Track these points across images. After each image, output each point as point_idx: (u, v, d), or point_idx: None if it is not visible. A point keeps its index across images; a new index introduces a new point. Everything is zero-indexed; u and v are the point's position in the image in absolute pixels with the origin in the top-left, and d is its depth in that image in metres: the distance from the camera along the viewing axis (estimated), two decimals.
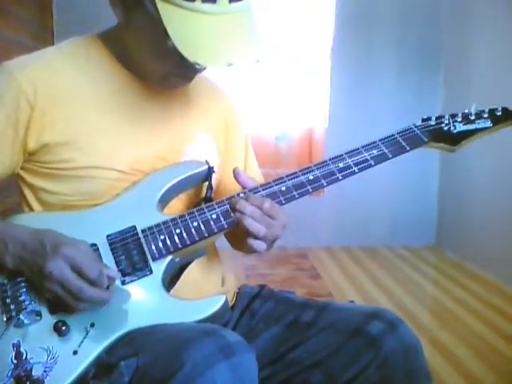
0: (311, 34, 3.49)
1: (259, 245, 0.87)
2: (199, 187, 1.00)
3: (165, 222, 0.88)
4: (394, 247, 3.74)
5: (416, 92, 3.73)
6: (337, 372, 0.91)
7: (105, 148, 0.91)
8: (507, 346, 2.21)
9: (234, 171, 0.93)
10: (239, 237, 0.91)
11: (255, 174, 1.12)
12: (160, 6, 0.80)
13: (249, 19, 0.86)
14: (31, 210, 0.94)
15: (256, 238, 0.87)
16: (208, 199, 0.96)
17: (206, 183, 0.97)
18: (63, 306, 0.82)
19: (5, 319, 0.82)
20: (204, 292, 0.96)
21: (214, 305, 0.84)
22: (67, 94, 0.90)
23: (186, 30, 0.80)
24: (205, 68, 0.91)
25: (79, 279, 0.79)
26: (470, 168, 3.33)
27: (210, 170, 0.96)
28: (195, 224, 0.88)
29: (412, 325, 0.93)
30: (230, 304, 1.04)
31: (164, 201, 0.93)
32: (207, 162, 0.96)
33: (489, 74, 3.20)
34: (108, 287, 0.81)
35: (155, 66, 0.90)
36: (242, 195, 0.90)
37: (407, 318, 0.96)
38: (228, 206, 0.89)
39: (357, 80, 3.66)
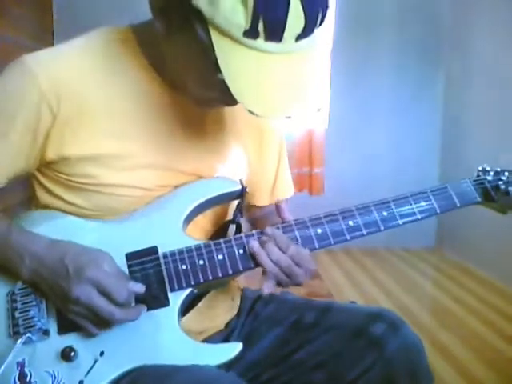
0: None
1: (269, 287, 0.82)
2: (227, 204, 0.94)
3: (188, 250, 0.81)
4: (394, 248, 3.74)
5: (416, 94, 3.73)
6: (340, 373, 0.91)
7: (132, 167, 0.83)
8: (507, 345, 2.21)
9: (276, 205, 0.86)
10: None
11: (284, 187, 1.07)
12: (214, 37, 0.69)
13: (314, 59, 0.75)
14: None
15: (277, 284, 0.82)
16: (237, 224, 0.91)
17: (236, 202, 0.92)
18: (74, 327, 0.78)
19: (11, 332, 0.79)
20: (214, 311, 0.96)
21: (230, 353, 0.80)
22: (93, 105, 0.81)
23: (242, 71, 0.70)
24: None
25: (109, 304, 0.75)
26: (470, 169, 3.32)
27: (244, 191, 0.89)
28: (220, 257, 0.81)
29: (412, 325, 0.93)
30: (235, 313, 1.03)
31: (190, 219, 0.87)
32: (241, 182, 0.89)
33: (490, 73, 3.20)
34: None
35: (197, 88, 0.81)
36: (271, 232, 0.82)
37: (407, 319, 0.96)
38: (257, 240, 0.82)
39: (357, 81, 3.66)
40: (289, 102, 0.72)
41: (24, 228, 0.83)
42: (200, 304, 0.90)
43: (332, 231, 0.85)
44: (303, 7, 0.68)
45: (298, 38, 0.70)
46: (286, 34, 0.69)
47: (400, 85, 3.71)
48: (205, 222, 0.92)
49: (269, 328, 0.99)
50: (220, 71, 0.70)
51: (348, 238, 0.85)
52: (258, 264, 0.82)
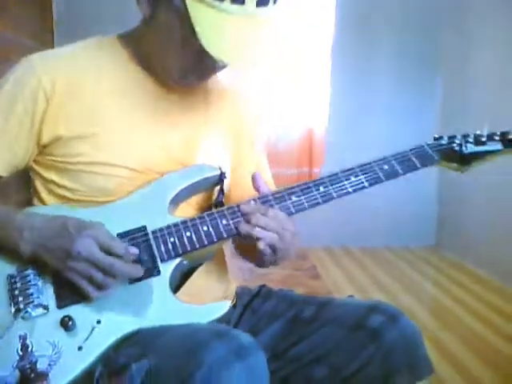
0: (311, 34, 3.49)
1: (267, 251, 0.88)
2: (210, 191, 1.00)
3: (175, 225, 0.89)
4: (394, 247, 3.74)
5: (415, 92, 3.73)
6: (339, 366, 0.92)
7: (118, 145, 0.92)
8: (507, 345, 2.21)
9: (252, 176, 0.94)
10: (247, 245, 0.92)
11: (266, 180, 1.10)
12: (189, 2, 0.82)
13: (273, 27, 0.88)
14: (41, 202, 0.95)
15: (268, 245, 0.87)
16: (219, 203, 0.97)
17: (218, 188, 0.98)
18: (72, 299, 0.84)
19: (13, 311, 0.84)
20: (209, 293, 0.98)
21: (219, 310, 0.85)
22: (84, 90, 0.91)
23: (213, 29, 0.82)
24: (223, 67, 0.92)
25: (108, 255, 0.81)
26: (470, 170, 3.32)
27: (222, 176, 0.97)
28: (205, 228, 0.88)
29: None
30: (232, 304, 1.04)
31: (175, 203, 0.94)
32: (220, 168, 0.97)
33: (488, 76, 3.20)
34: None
35: (174, 61, 0.91)
36: (252, 202, 0.90)
37: None
38: (239, 212, 0.89)
39: (357, 80, 3.66)
40: (251, 52, 0.85)
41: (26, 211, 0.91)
42: (195, 289, 0.93)
43: (305, 197, 0.91)
44: None
45: (258, 4, 0.84)
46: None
47: (400, 85, 3.71)
48: (190, 209, 0.98)
49: (268, 323, 1.01)
50: (194, 32, 0.81)
51: (320, 201, 0.92)
52: (249, 237, 0.87)
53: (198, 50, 0.83)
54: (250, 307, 1.05)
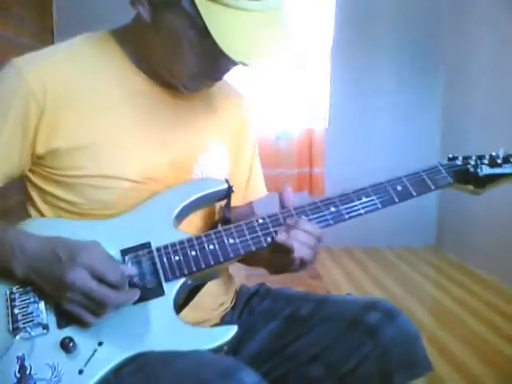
0: (311, 33, 3.49)
1: (297, 263, 0.86)
2: (214, 205, 0.98)
3: (181, 242, 0.85)
4: (394, 247, 3.74)
5: (416, 92, 3.73)
6: (336, 364, 0.92)
7: (117, 157, 0.88)
8: (507, 345, 2.21)
9: (282, 191, 0.91)
10: (259, 260, 0.92)
11: (258, 186, 1.11)
12: (199, 2, 0.78)
13: (283, 15, 0.85)
14: (38, 211, 0.92)
15: (301, 262, 0.86)
16: (226, 220, 0.94)
17: (223, 203, 0.95)
18: (72, 320, 0.80)
19: (11, 329, 0.80)
20: (208, 303, 0.97)
21: (226, 335, 0.82)
22: (78, 97, 0.87)
23: (230, 30, 0.79)
24: (234, 65, 0.87)
25: (102, 286, 0.77)
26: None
27: (229, 190, 0.94)
28: (211, 247, 0.85)
29: None
30: (231, 305, 1.04)
31: (180, 217, 0.91)
32: (227, 181, 0.94)
33: (489, 75, 3.20)
34: (131, 286, 0.80)
35: (184, 66, 0.87)
36: (281, 215, 0.88)
37: None
38: (247, 231, 0.87)
39: (357, 80, 3.66)
40: (268, 47, 0.82)
41: (19, 228, 0.85)
42: (196, 301, 0.91)
43: (317, 218, 0.90)
44: None
45: None
46: None
47: (400, 85, 3.70)
48: (197, 221, 0.96)
49: (265, 322, 1.01)
50: (205, 34, 0.77)
51: (331, 222, 0.91)
52: (247, 251, 0.85)
53: (211, 53, 0.80)
54: (248, 306, 1.05)
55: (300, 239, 0.84)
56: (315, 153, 3.65)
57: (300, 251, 0.84)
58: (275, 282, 1.08)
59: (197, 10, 0.78)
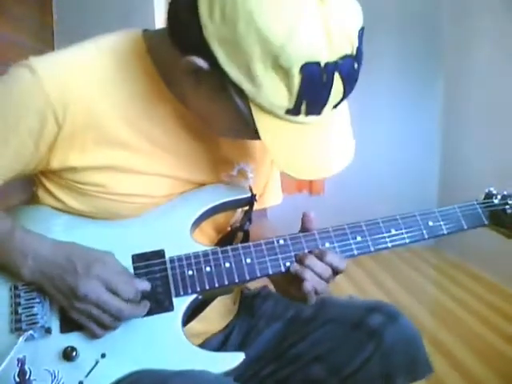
0: None
1: (313, 300, 0.82)
2: (231, 213, 0.94)
3: (196, 256, 0.81)
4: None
5: (416, 92, 3.73)
6: (339, 366, 0.92)
7: (137, 177, 0.82)
8: (507, 345, 2.21)
9: (303, 214, 0.86)
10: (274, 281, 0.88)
11: (274, 193, 1.08)
12: (255, 111, 0.71)
13: (346, 120, 0.81)
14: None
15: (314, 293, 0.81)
16: (244, 231, 0.91)
17: (242, 211, 0.92)
18: (76, 326, 0.78)
19: (13, 328, 0.78)
20: (215, 314, 0.96)
21: (232, 363, 0.79)
22: (101, 118, 0.79)
23: (284, 143, 0.73)
24: None
25: (116, 299, 0.75)
26: (471, 168, 3.32)
27: (253, 199, 0.90)
28: (227, 265, 0.81)
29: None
30: (235, 313, 1.03)
31: (198, 224, 0.87)
32: (251, 190, 0.90)
33: (490, 73, 3.20)
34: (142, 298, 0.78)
35: (220, 130, 0.83)
36: (304, 238, 0.83)
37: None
38: (265, 252, 0.82)
39: (357, 81, 3.66)
40: (330, 163, 0.79)
41: (27, 228, 0.81)
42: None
43: (341, 247, 0.86)
44: (343, 84, 0.75)
45: (335, 107, 0.77)
46: (325, 108, 0.74)
47: (400, 85, 3.71)
48: (208, 228, 0.92)
49: (267, 324, 1.00)
50: (257, 136, 0.72)
51: (355, 253, 0.87)
52: (265, 274, 0.82)
53: (252, 134, 0.74)
54: (250, 308, 1.04)
55: (316, 270, 0.80)
56: None
57: (312, 282, 0.80)
58: None
59: (251, 113, 0.71)
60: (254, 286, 1.13)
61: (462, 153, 3.43)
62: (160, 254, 0.82)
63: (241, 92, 0.70)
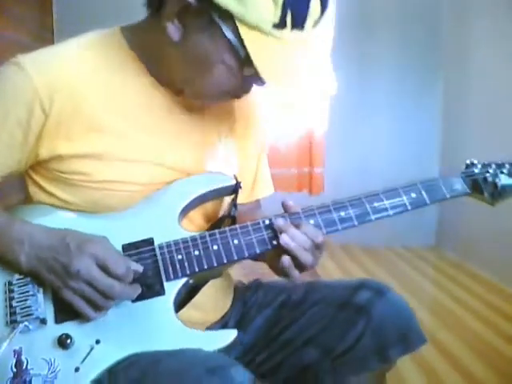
0: None
1: (297, 274, 0.84)
2: (219, 201, 0.96)
3: (184, 241, 0.84)
4: (394, 247, 3.74)
5: (416, 93, 3.73)
6: (331, 345, 0.92)
7: (124, 163, 0.86)
8: (507, 345, 2.21)
9: (282, 204, 0.88)
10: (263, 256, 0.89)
11: (265, 184, 1.10)
12: (243, 33, 0.75)
13: (324, 41, 0.85)
14: None
15: (298, 267, 0.83)
16: (232, 218, 0.93)
17: (229, 199, 0.94)
18: (71, 315, 0.79)
19: (9, 321, 0.79)
20: (209, 302, 0.97)
21: (225, 340, 0.81)
22: (86, 105, 0.84)
23: (272, 60, 0.77)
24: (263, 85, 0.85)
25: (107, 277, 0.77)
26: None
27: (237, 186, 0.92)
28: (215, 248, 0.84)
29: None
30: (230, 303, 1.04)
31: (185, 212, 0.89)
32: (235, 177, 0.92)
33: (490, 72, 3.20)
34: (133, 282, 0.80)
35: (208, 87, 0.84)
36: (282, 219, 0.85)
37: None
38: (252, 232, 0.84)
39: (357, 80, 3.66)
40: (310, 80, 0.81)
41: (25, 220, 0.84)
42: (198, 301, 0.91)
43: (325, 221, 0.87)
44: None
45: (315, 24, 0.79)
46: (307, 23, 0.77)
47: (401, 84, 3.71)
48: (197, 217, 0.94)
49: (258, 311, 1.02)
50: (250, 63, 0.76)
51: (340, 228, 0.87)
52: (253, 253, 0.84)
53: (246, 77, 0.80)
54: (241, 299, 1.05)
55: (298, 239, 0.82)
56: (315, 153, 3.65)
57: (296, 252, 0.82)
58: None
59: (240, 38, 0.76)
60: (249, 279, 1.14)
61: (461, 153, 3.43)
62: (149, 241, 0.84)
63: (228, 17, 0.75)
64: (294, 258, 0.82)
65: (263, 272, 0.97)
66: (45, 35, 3.13)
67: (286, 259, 0.82)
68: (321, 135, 3.64)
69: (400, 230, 3.78)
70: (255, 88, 0.87)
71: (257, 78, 0.80)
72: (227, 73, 0.81)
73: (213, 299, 0.98)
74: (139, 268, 0.80)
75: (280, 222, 0.84)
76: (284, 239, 0.82)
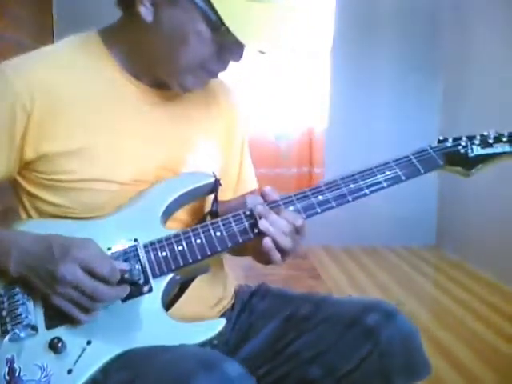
0: (311, 33, 3.48)
1: (279, 257, 0.86)
2: (203, 199, 0.98)
3: (167, 238, 0.85)
4: (394, 247, 3.74)
5: (416, 93, 3.73)
6: (335, 365, 0.91)
7: (106, 160, 0.88)
8: (507, 345, 2.21)
9: (261, 193, 0.90)
10: (246, 249, 0.91)
11: (248, 179, 1.12)
12: None
13: (291, 9, 0.88)
14: (29, 216, 0.92)
15: (280, 251, 0.85)
16: (213, 213, 0.94)
17: (211, 196, 0.95)
18: (61, 320, 0.80)
19: (0, 332, 0.80)
20: (206, 299, 0.97)
21: (214, 329, 0.82)
22: (66, 102, 0.86)
23: (244, 18, 0.81)
24: (240, 57, 0.88)
25: (92, 279, 0.77)
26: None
27: (217, 183, 0.93)
28: (198, 241, 0.85)
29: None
30: (230, 304, 1.04)
31: (168, 213, 0.91)
32: (214, 175, 0.94)
33: (490, 72, 3.20)
34: (121, 282, 0.80)
35: (184, 62, 0.87)
36: (261, 206, 0.86)
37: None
38: (234, 223, 0.86)
39: (357, 80, 3.66)
40: (274, 37, 0.85)
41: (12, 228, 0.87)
42: (192, 291, 0.91)
43: (304, 206, 0.89)
44: None
45: None
46: None
47: (400, 84, 3.71)
48: (185, 216, 0.96)
49: (264, 322, 1.00)
50: (220, 26, 0.79)
51: (319, 210, 0.89)
52: (235, 243, 0.86)
53: (220, 44, 0.83)
54: (248, 306, 1.05)
55: (277, 224, 0.84)
56: (315, 153, 3.65)
57: (275, 236, 0.84)
58: (275, 281, 1.08)
59: (209, 4, 0.80)
60: (250, 284, 1.14)
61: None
62: (134, 241, 0.85)
63: None
64: (275, 243, 0.84)
65: (264, 273, 0.96)
66: (44, 36, 3.14)
67: (267, 240, 0.83)
68: (321, 135, 3.64)
69: (400, 229, 3.78)
70: (232, 78, 0.93)
71: (232, 50, 0.84)
72: (201, 42, 0.84)
73: (207, 293, 0.98)
74: (125, 267, 0.81)
75: (259, 209, 0.85)
76: (264, 224, 0.84)
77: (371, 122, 3.73)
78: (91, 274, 0.78)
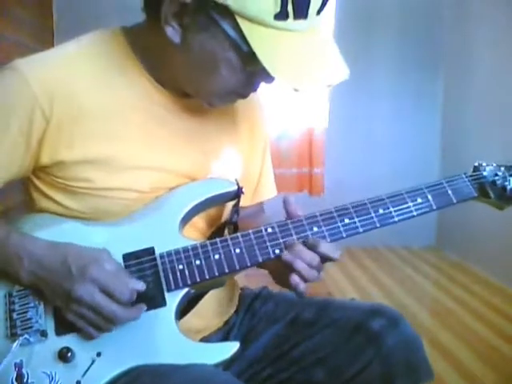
0: None
1: (304, 288, 0.81)
2: (222, 206, 0.95)
3: (185, 250, 0.82)
4: (395, 247, 3.74)
5: (416, 92, 3.73)
6: (339, 369, 0.91)
7: (127, 171, 0.84)
8: (507, 345, 2.21)
9: (283, 200, 0.86)
10: (265, 264, 0.87)
11: (268, 187, 1.09)
12: (244, 28, 0.72)
13: (328, 36, 0.82)
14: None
15: (304, 280, 0.81)
16: (233, 223, 0.91)
17: (231, 204, 0.92)
18: (72, 327, 0.78)
19: (9, 334, 0.79)
20: (213, 310, 0.96)
21: (227, 352, 0.80)
22: (87, 108, 0.82)
23: (278, 54, 0.74)
24: (271, 83, 0.82)
25: (111, 302, 0.75)
26: (471, 168, 3.32)
27: (239, 191, 0.89)
28: (216, 257, 0.81)
29: (412, 325, 0.94)
30: (233, 310, 1.04)
31: (186, 219, 0.87)
32: (237, 182, 0.89)
33: (490, 72, 3.20)
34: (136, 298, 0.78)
35: (213, 87, 0.82)
36: (292, 224, 0.83)
37: (407, 318, 0.96)
38: (254, 240, 0.82)
39: (357, 80, 3.65)
40: (326, 73, 0.77)
41: (22, 231, 0.82)
42: (199, 305, 0.90)
43: (329, 230, 0.84)
44: None
45: (318, 11, 0.77)
46: (310, 11, 0.75)
47: (401, 83, 3.71)
48: (200, 222, 0.93)
49: (268, 325, 1.00)
50: (253, 57, 0.73)
51: (344, 235, 0.85)
52: (255, 262, 0.82)
53: (252, 74, 0.78)
54: (250, 309, 1.04)
55: (305, 259, 0.80)
56: (315, 153, 3.65)
57: (303, 271, 0.80)
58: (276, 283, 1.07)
59: (241, 34, 0.73)
60: (251, 284, 1.13)
61: (462, 152, 3.43)
62: (150, 251, 0.82)
63: (226, 13, 0.72)
64: (301, 277, 0.81)
65: (265, 272, 0.96)
66: (45, 36, 3.14)
67: (294, 278, 0.80)
68: (321, 135, 3.64)
69: (400, 230, 3.76)
70: (262, 87, 0.85)
71: (264, 75, 0.77)
72: (232, 71, 0.79)
73: (215, 307, 0.97)
74: (142, 287, 0.78)
75: (288, 257, 0.81)
76: (288, 258, 0.80)
77: (371, 122, 3.73)
78: (109, 295, 0.76)
